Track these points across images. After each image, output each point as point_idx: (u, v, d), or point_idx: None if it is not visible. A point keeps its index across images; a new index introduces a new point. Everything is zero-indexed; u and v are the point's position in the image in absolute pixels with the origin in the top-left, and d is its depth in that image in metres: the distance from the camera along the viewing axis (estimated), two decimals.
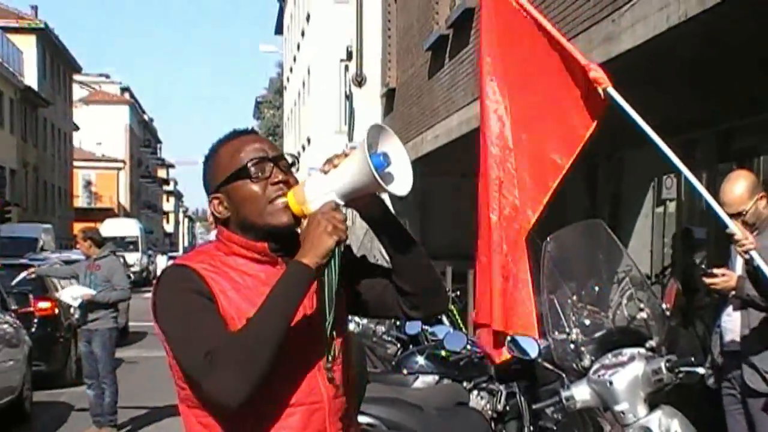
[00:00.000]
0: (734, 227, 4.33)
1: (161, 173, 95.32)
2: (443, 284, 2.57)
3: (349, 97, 24.10)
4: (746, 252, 4.28)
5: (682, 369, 3.73)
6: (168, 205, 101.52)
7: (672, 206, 12.14)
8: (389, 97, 17.05)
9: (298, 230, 2.30)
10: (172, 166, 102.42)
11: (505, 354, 4.35)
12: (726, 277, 4.77)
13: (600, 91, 4.11)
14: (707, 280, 4.86)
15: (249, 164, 2.31)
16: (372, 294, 2.43)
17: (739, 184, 5.06)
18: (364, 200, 2.29)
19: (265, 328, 2.14)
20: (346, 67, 24.97)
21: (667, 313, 3.92)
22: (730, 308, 5.11)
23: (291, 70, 43.02)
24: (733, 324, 5.08)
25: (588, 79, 4.11)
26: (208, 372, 2.11)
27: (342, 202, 2.23)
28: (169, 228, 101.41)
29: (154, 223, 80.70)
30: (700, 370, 3.78)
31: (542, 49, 4.22)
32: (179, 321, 2.20)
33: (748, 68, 6.74)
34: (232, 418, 2.22)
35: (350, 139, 23.82)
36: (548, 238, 4.08)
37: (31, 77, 42.67)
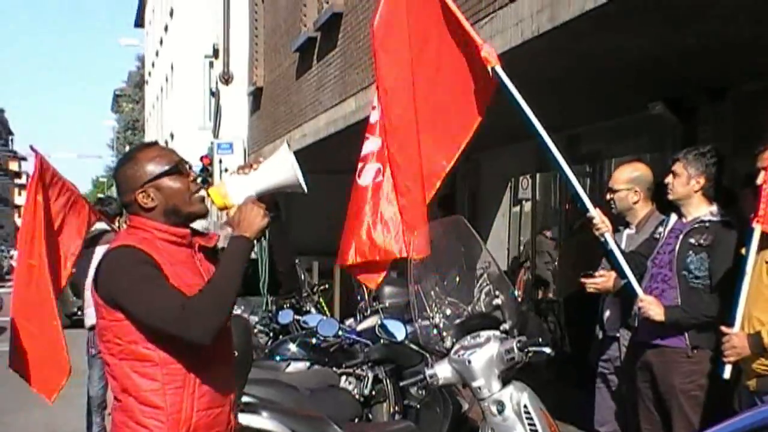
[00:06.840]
0: (594, 212, 4.58)
1: (13, 166, 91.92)
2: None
3: (215, 94, 24.08)
4: (601, 235, 4.56)
5: (531, 349, 4.14)
6: (20, 198, 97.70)
7: (528, 206, 12.76)
8: (256, 95, 17.22)
9: (226, 214, 2.93)
10: (24, 159, 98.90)
11: (377, 280, 5.03)
12: (604, 279, 5.05)
13: (489, 69, 4.47)
14: (587, 282, 5.11)
15: (178, 165, 2.91)
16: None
17: (629, 168, 5.37)
18: (265, 199, 2.92)
19: (226, 284, 2.80)
20: (211, 64, 24.90)
21: (519, 299, 4.35)
22: (608, 300, 5.43)
23: (153, 64, 42.36)
24: (611, 314, 5.40)
25: (480, 66, 4.49)
26: (186, 318, 2.71)
27: (256, 198, 2.89)
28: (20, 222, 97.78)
29: (4, 217, 77.83)
30: (546, 350, 4.20)
31: (439, 33, 4.62)
32: (144, 285, 2.71)
33: (593, 79, 7.35)
34: (165, 364, 2.78)
35: (215, 135, 23.80)
36: (414, 233, 4.48)
37: None
